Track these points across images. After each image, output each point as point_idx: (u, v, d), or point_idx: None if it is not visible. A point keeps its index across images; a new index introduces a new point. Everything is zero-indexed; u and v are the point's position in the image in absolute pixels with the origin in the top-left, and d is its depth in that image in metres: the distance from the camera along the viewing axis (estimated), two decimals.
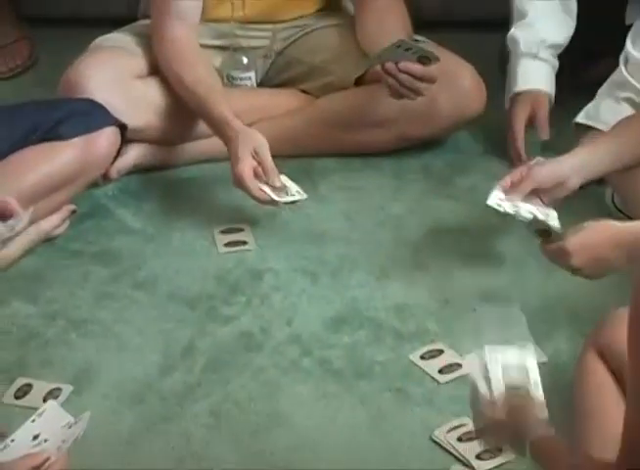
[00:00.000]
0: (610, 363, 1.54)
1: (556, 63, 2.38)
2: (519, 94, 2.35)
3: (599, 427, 1.46)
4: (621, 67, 2.13)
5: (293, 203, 2.08)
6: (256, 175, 2.04)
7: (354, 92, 2.32)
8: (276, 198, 2.03)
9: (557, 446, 1.33)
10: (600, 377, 1.55)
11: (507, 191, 1.93)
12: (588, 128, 2.15)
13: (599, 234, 1.71)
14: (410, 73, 2.10)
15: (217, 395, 1.75)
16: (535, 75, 2.36)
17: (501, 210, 1.92)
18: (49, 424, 1.58)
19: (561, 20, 2.37)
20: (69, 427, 1.56)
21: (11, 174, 1.97)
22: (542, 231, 1.83)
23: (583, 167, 1.92)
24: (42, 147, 2.02)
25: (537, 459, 1.33)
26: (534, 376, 1.53)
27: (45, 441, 1.54)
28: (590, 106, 2.17)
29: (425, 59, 2.10)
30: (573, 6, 2.37)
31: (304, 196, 2.08)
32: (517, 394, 1.45)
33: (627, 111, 2.08)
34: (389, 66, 2.11)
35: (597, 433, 1.46)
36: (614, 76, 2.15)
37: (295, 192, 2.08)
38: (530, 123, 2.34)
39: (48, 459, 1.40)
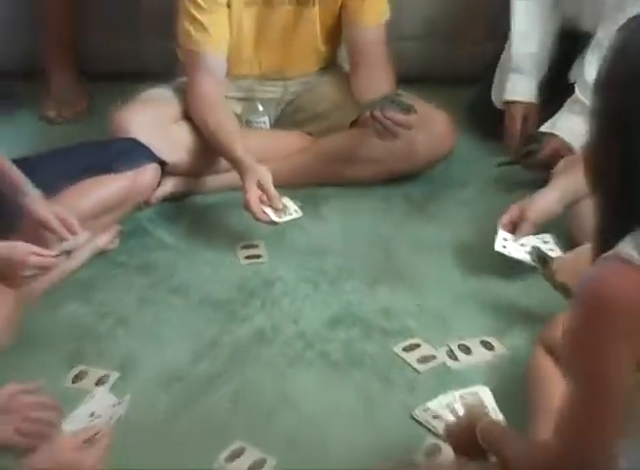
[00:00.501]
0: (556, 358, 1.56)
1: (540, 70, 2.42)
2: (510, 102, 2.44)
3: (547, 411, 1.46)
4: (576, 86, 2.25)
5: (290, 221, 2.13)
6: (262, 201, 2.10)
7: (349, 133, 2.36)
8: (275, 219, 2.09)
9: (505, 432, 1.33)
10: (549, 370, 1.57)
11: (506, 227, 1.99)
12: (545, 134, 2.27)
13: (581, 249, 1.70)
14: (393, 121, 2.17)
15: (235, 382, 1.78)
16: (521, 88, 2.42)
17: (507, 254, 1.97)
18: (100, 404, 1.64)
19: (541, 30, 2.42)
20: (114, 406, 1.61)
21: (71, 200, 1.97)
22: (542, 259, 1.83)
23: (565, 197, 1.97)
24: (97, 179, 2.05)
25: (485, 443, 1.31)
26: (489, 403, 1.57)
27: (99, 417, 1.59)
28: (553, 118, 2.28)
29: (406, 111, 2.17)
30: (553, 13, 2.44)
31: (300, 214, 2.13)
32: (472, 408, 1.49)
33: (580, 121, 2.12)
34: (377, 113, 2.18)
35: (545, 416, 1.47)
36: (572, 95, 2.27)
37: (292, 211, 2.12)
38: (524, 123, 2.42)
39: (97, 433, 1.44)
